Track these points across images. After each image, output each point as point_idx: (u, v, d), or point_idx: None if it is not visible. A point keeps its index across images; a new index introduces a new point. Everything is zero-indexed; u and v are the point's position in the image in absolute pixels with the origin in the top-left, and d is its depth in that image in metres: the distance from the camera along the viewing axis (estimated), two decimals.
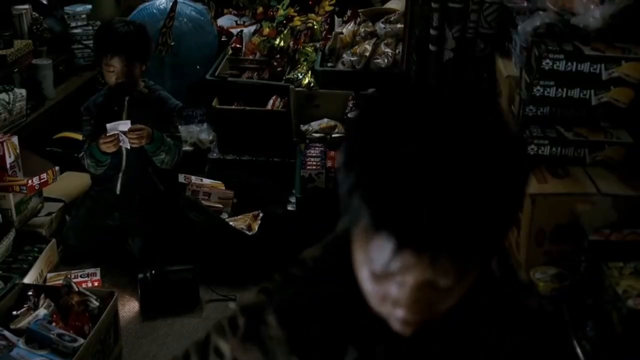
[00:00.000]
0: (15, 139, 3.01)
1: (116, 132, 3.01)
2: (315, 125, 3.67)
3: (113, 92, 3.16)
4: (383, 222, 0.73)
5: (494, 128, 0.77)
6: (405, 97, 0.80)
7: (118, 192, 3.26)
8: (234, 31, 4.64)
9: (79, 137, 3.45)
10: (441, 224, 0.71)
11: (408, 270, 0.74)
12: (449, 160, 0.72)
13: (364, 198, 0.74)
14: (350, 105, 3.64)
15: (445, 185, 0.71)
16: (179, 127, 3.39)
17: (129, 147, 3.08)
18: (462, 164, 0.72)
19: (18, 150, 3.02)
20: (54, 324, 2.48)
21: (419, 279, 0.74)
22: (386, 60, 3.65)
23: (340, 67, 3.81)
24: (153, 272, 3.03)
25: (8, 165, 2.96)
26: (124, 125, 3.02)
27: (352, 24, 4.01)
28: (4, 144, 2.94)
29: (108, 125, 3.01)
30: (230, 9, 5.04)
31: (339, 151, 0.81)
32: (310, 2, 4.74)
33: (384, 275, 0.77)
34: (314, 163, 3.40)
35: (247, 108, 3.84)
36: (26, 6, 4.01)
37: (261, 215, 3.43)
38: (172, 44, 4.11)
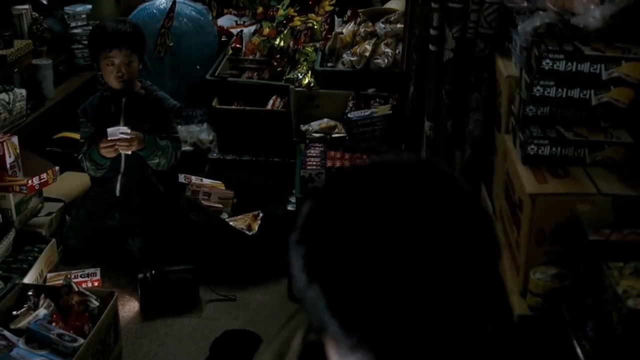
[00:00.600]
0: (15, 139, 3.01)
1: (116, 137, 3.00)
2: (315, 125, 3.67)
3: (111, 92, 3.15)
4: (361, 344, 0.67)
5: (464, 221, 0.71)
6: (363, 191, 0.72)
7: (117, 193, 3.26)
8: (234, 31, 4.64)
9: (79, 137, 3.45)
10: (423, 337, 0.66)
11: None
12: (424, 266, 0.66)
13: (336, 317, 0.67)
14: (350, 105, 3.64)
15: (424, 294, 0.66)
16: (178, 127, 3.38)
17: (129, 152, 3.09)
18: (437, 268, 0.67)
19: (18, 150, 3.02)
20: (54, 324, 2.48)
21: None
22: (386, 60, 3.65)
23: (340, 67, 3.81)
24: (153, 272, 3.03)
25: (8, 165, 2.96)
26: (124, 130, 3.02)
27: (352, 24, 4.01)
28: (4, 144, 2.94)
29: (109, 130, 3.00)
30: (230, 9, 5.04)
31: (293, 249, 0.72)
32: (310, 2, 4.74)
33: None
34: (314, 163, 3.40)
35: (247, 108, 3.84)
36: (26, 6, 4.00)
37: (261, 215, 3.43)
38: (171, 44, 4.11)
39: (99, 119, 3.16)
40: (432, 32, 2.77)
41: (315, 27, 4.43)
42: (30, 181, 3.00)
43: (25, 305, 2.58)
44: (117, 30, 3.06)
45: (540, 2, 2.09)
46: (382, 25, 3.80)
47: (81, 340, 2.40)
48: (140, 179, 3.23)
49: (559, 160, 1.82)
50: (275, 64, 4.11)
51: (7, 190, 2.99)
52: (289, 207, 3.51)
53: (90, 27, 4.25)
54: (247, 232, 3.29)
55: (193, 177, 3.61)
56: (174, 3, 4.09)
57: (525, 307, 1.68)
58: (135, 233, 3.23)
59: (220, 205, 3.51)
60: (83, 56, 4.30)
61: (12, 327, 2.49)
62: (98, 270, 3.08)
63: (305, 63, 3.99)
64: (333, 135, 3.63)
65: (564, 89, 1.83)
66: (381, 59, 3.67)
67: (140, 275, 3.02)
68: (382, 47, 3.70)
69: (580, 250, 1.58)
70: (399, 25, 3.71)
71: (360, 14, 4.05)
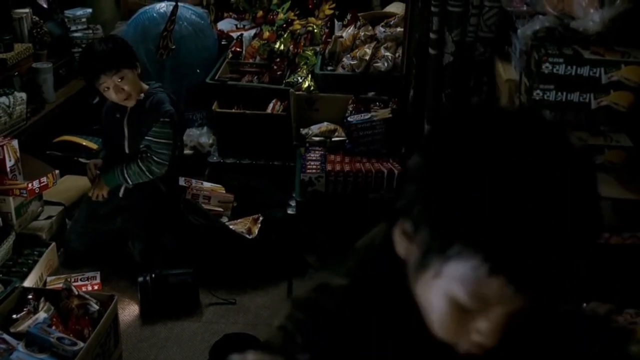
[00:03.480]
0: (15, 143, 3.02)
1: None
2: (315, 128, 3.67)
3: None
4: (498, 264, 0.71)
5: (567, 159, 0.75)
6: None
7: (121, 195, 3.25)
8: (234, 35, 4.64)
9: (80, 140, 3.46)
10: (538, 255, 0.70)
11: (500, 300, 0.73)
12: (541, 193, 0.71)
13: (471, 238, 0.72)
14: (350, 108, 3.64)
15: (538, 216, 0.70)
16: (165, 133, 3.11)
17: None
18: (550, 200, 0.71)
19: (18, 154, 3.02)
20: (53, 327, 2.48)
21: (508, 309, 0.74)
22: (386, 64, 3.65)
23: (340, 70, 3.81)
24: (153, 275, 3.02)
25: (8, 169, 2.96)
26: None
27: (352, 28, 4.02)
28: (4, 147, 2.94)
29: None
30: (231, 13, 5.05)
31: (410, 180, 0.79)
32: (310, 6, 4.74)
33: (472, 307, 0.75)
34: (314, 167, 3.40)
35: (247, 112, 3.84)
36: (26, 10, 4.01)
37: (261, 219, 3.43)
38: (173, 47, 4.11)
39: (108, 122, 3.20)
40: (432, 35, 2.77)
41: (315, 30, 4.43)
42: (30, 185, 3.00)
43: (25, 309, 2.58)
44: (97, 56, 3.02)
45: (540, 5, 2.10)
46: (382, 29, 3.80)
47: (81, 344, 2.39)
48: (145, 182, 3.21)
49: None
50: (275, 67, 4.12)
51: (7, 194, 2.99)
52: (289, 211, 3.51)
53: (91, 31, 4.26)
54: (247, 236, 3.29)
55: (193, 181, 3.61)
56: (176, 6, 4.10)
57: None
58: (135, 236, 3.23)
59: (220, 209, 3.51)
60: None
61: (12, 330, 2.48)
62: (98, 274, 3.08)
63: (305, 67, 4.00)
64: (333, 139, 3.62)
65: (563, 92, 1.83)
66: (381, 63, 3.67)
67: (140, 279, 3.02)
68: (382, 51, 3.71)
69: None
70: (398, 29, 3.72)
71: (360, 17, 4.06)
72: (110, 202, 3.28)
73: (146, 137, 3.07)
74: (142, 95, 3.13)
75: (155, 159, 3.07)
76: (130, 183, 3.10)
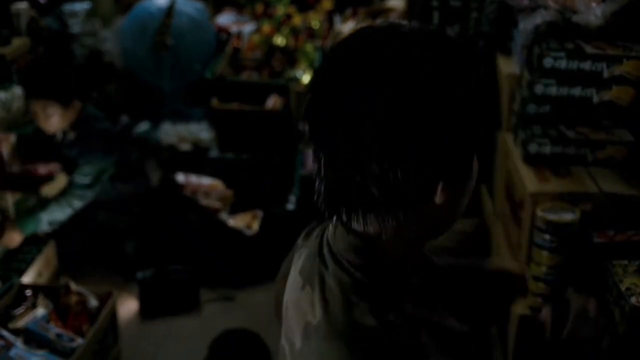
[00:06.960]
0: (13, 138, 3.00)
1: None
2: None
3: None
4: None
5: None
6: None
7: (98, 192, 3.21)
8: (234, 30, 4.63)
9: None
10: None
11: None
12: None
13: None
14: None
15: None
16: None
17: None
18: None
19: (16, 150, 3.00)
20: (52, 323, 2.47)
21: None
22: None
23: None
24: (152, 272, 3.02)
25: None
26: None
27: (352, 22, 4.01)
28: (2, 143, 2.93)
29: None
30: (230, 7, 5.03)
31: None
32: (310, 1, 4.73)
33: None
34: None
35: (247, 109, 3.83)
36: (25, 4, 3.98)
37: (261, 214, 3.42)
38: (171, 42, 4.10)
39: None
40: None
41: (315, 25, 4.42)
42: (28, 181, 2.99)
43: (23, 305, 2.57)
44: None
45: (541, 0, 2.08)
46: None
47: (80, 340, 2.39)
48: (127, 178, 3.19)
49: (561, 159, 1.81)
50: (275, 62, 4.10)
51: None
52: (289, 206, 3.50)
53: (89, 25, 4.25)
54: (247, 232, 3.29)
55: (192, 176, 3.60)
56: (174, 1, 4.08)
57: (525, 307, 1.67)
58: (133, 233, 3.21)
59: (220, 204, 3.50)
60: (81, 54, 4.28)
61: (10, 326, 2.48)
62: None
63: (305, 61, 3.98)
64: None
65: (565, 87, 1.81)
66: None
67: (140, 276, 3.01)
68: None
69: (583, 251, 1.57)
70: None
71: (360, 12, 4.04)
72: (101, 198, 3.24)
73: None
74: None
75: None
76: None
